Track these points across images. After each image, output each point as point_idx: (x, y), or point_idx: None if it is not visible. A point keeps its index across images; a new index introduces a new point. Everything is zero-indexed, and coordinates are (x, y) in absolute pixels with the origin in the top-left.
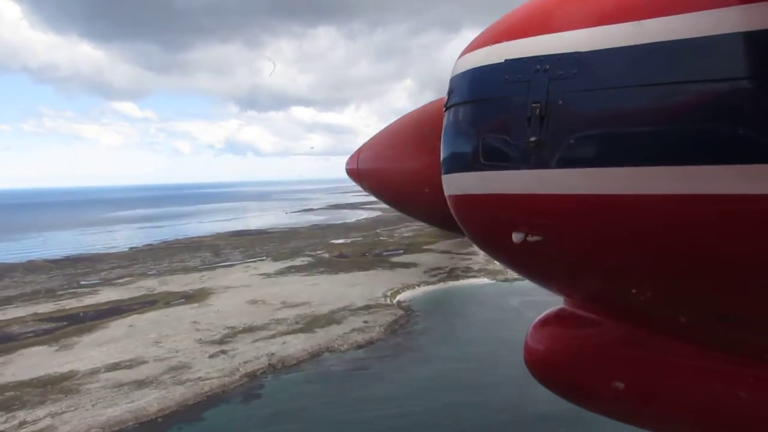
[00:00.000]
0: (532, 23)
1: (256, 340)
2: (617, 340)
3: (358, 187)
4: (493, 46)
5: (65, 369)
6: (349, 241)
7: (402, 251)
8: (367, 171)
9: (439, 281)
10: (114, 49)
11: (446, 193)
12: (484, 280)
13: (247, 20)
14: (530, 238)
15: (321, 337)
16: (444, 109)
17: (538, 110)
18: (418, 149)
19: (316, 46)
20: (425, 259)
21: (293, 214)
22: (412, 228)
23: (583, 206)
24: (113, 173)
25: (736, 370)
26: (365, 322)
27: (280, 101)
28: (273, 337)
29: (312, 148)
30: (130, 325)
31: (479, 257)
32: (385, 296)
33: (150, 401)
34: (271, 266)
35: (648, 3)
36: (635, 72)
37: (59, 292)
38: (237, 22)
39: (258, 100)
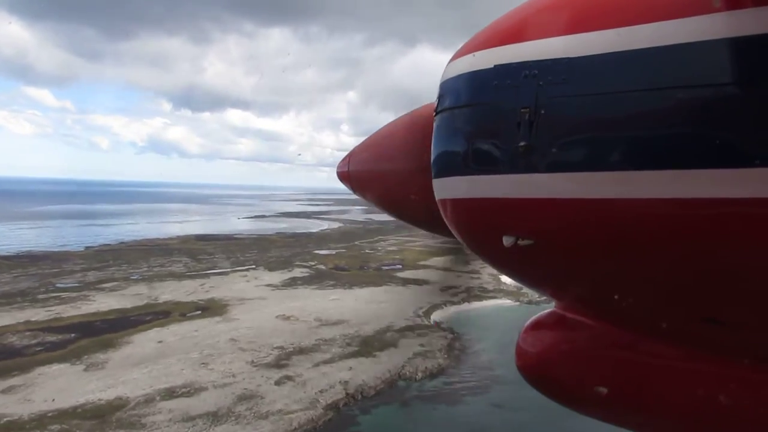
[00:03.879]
0: (521, 29)
1: (317, 364)
2: (608, 343)
3: (292, 195)
4: (482, 51)
5: (110, 395)
6: (334, 252)
7: (400, 266)
8: (357, 174)
9: (462, 301)
10: (47, 30)
11: (437, 197)
12: (507, 302)
13: (199, 11)
14: (520, 242)
15: (386, 362)
16: (434, 114)
17: (527, 115)
18: (409, 152)
19: (267, 47)
20: (432, 276)
21: (246, 220)
22: (390, 241)
23: (572, 210)
24: (20, 164)
25: (726, 372)
26: (421, 345)
27: (218, 102)
28: (333, 361)
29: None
30: (159, 341)
31: (486, 276)
32: (418, 316)
33: None
34: (270, 276)
35: (636, 9)
36: (623, 77)
37: (39, 296)
38: (188, 12)
39: (194, 99)
